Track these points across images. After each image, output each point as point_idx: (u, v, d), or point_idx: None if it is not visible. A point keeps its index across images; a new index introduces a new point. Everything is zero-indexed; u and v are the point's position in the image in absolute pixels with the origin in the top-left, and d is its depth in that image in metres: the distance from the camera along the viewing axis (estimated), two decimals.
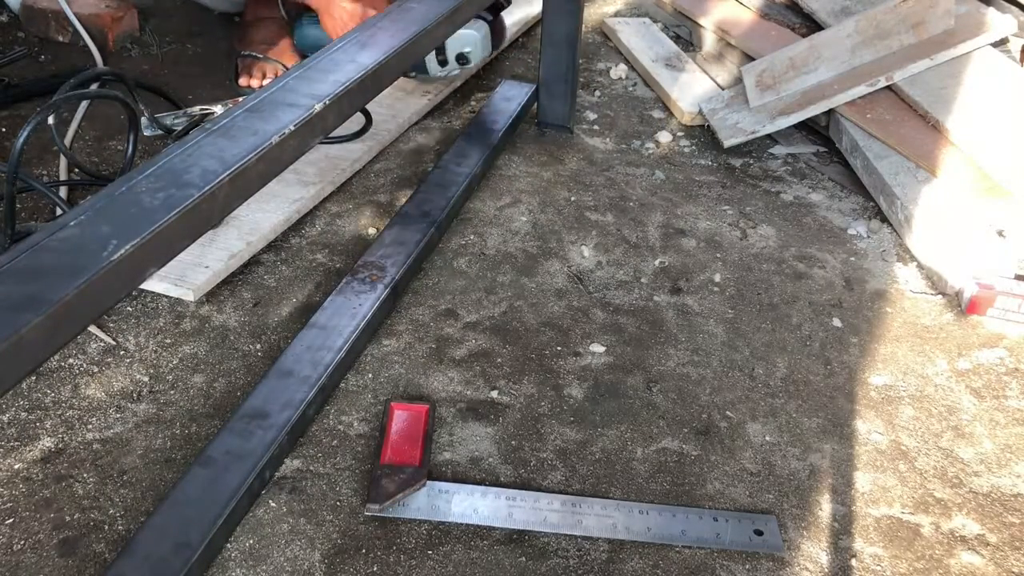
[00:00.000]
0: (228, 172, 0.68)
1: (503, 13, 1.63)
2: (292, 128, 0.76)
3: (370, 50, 0.91)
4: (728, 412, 1.06)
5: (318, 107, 0.80)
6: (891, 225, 1.43)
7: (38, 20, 1.84)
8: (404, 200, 1.38)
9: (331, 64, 0.88)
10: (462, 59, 1.53)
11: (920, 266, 1.35)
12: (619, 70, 1.93)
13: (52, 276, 0.55)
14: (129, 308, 1.15)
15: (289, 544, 0.87)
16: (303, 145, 0.80)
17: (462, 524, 0.90)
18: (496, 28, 1.57)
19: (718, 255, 1.35)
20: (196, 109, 1.51)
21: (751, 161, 1.62)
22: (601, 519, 0.91)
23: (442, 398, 1.05)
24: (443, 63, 1.54)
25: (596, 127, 1.70)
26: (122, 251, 0.58)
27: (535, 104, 1.66)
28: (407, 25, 0.99)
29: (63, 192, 1.32)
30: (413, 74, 1.58)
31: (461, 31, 1.51)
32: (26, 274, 0.55)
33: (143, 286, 1.15)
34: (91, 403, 1.01)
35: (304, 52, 1.70)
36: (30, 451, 0.94)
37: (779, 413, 1.07)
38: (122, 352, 1.08)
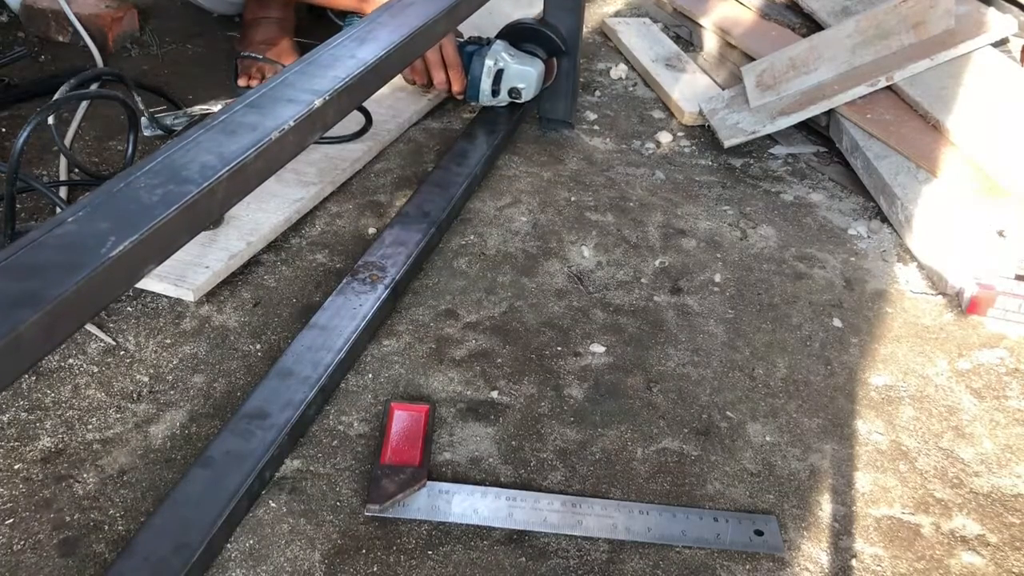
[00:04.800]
0: (227, 168, 0.68)
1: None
2: (291, 124, 0.76)
3: (370, 45, 0.91)
4: (728, 412, 1.06)
5: (318, 103, 0.80)
6: (891, 225, 1.43)
7: (38, 20, 1.84)
8: (404, 200, 1.38)
9: (331, 59, 0.87)
10: (514, 93, 1.56)
11: (920, 266, 1.35)
12: (619, 70, 1.93)
13: (50, 273, 0.55)
14: (129, 308, 1.15)
15: (289, 544, 0.86)
16: (303, 141, 0.79)
17: (462, 524, 0.90)
18: (548, 68, 1.60)
19: (718, 255, 1.35)
20: (196, 109, 1.51)
21: (751, 161, 1.62)
22: (601, 519, 0.91)
23: (442, 398, 1.05)
24: (495, 93, 1.57)
25: (596, 127, 1.70)
26: (120, 247, 0.58)
27: (536, 104, 1.66)
28: (407, 20, 0.99)
29: (63, 192, 1.32)
30: (461, 96, 1.61)
31: (520, 66, 1.54)
32: (24, 271, 0.55)
33: (143, 286, 1.15)
34: (91, 403, 1.00)
35: None
36: (30, 451, 0.94)
37: (779, 413, 1.07)
38: (122, 352, 1.08)
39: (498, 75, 1.55)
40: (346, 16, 1.65)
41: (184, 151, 0.70)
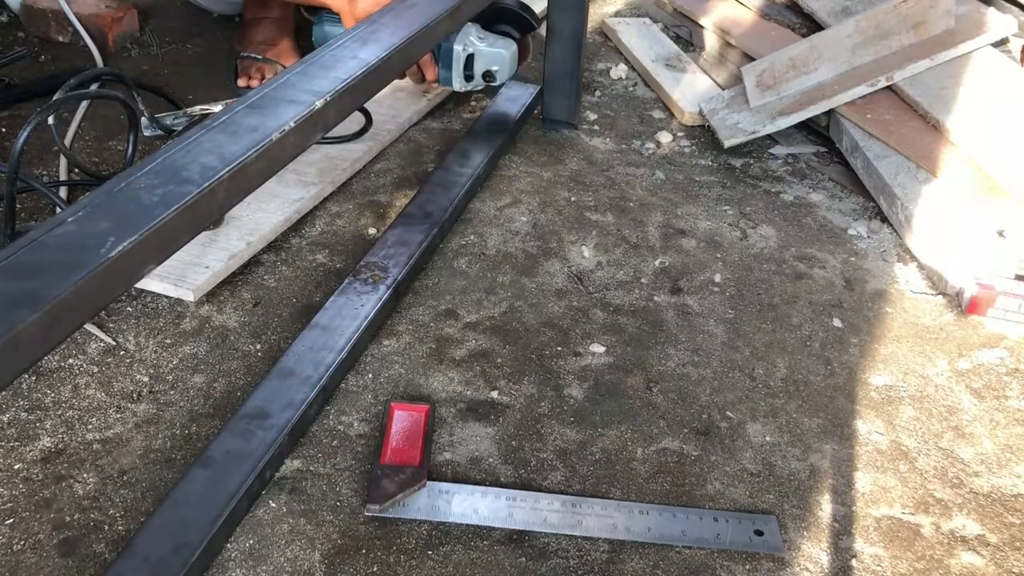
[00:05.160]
0: (228, 169, 0.68)
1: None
2: (292, 124, 0.76)
3: (372, 46, 0.91)
4: (728, 412, 1.06)
5: (319, 103, 0.80)
6: (891, 225, 1.43)
7: (38, 20, 1.84)
8: (404, 200, 1.38)
9: (332, 60, 0.87)
10: (488, 76, 1.54)
11: (920, 266, 1.35)
12: (619, 70, 1.93)
13: (50, 272, 0.55)
14: (129, 308, 1.15)
15: (289, 544, 0.86)
16: (304, 142, 0.80)
17: (462, 524, 0.90)
18: (522, 47, 1.58)
19: (718, 255, 1.35)
20: (196, 109, 1.51)
21: (751, 161, 1.62)
22: (601, 519, 0.91)
23: (442, 398, 1.05)
24: (469, 78, 1.55)
25: (596, 127, 1.70)
26: (120, 247, 0.58)
27: (538, 105, 1.66)
28: (409, 21, 0.99)
29: (63, 192, 1.32)
30: (436, 84, 1.59)
31: (490, 49, 1.52)
32: (23, 270, 0.55)
33: (143, 286, 1.15)
34: (91, 403, 1.00)
35: None
36: (30, 451, 0.94)
37: (779, 413, 1.07)
38: (122, 352, 1.08)
39: (469, 60, 1.53)
40: (320, 13, 1.60)
41: (184, 151, 0.70)
